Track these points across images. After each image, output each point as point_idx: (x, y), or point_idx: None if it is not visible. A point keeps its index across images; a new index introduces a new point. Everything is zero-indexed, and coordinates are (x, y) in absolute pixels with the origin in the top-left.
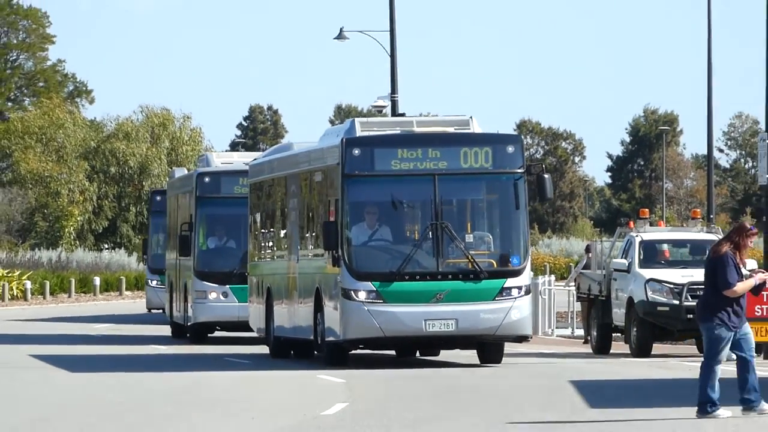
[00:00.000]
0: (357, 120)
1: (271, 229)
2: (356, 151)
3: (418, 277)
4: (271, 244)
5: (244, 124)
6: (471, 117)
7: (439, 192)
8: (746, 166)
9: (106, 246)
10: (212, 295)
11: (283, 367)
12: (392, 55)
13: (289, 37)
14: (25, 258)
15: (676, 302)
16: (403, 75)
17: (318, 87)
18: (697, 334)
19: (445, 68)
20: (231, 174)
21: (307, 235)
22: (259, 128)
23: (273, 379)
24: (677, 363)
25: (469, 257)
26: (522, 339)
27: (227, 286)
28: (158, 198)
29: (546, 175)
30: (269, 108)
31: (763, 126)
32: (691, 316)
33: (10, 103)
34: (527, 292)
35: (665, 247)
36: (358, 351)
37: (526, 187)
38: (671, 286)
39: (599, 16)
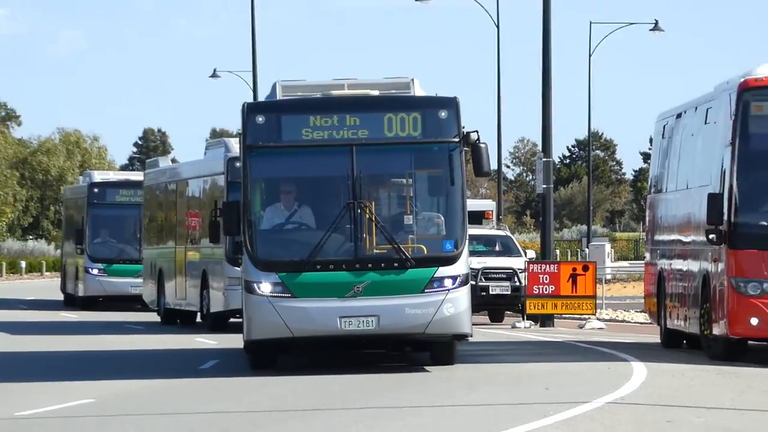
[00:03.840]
0: (279, 83)
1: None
2: (260, 119)
3: (331, 266)
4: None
5: (139, 142)
6: (412, 79)
7: (358, 166)
8: (527, 179)
9: (31, 237)
10: None
11: None
12: (254, 90)
13: (175, 75)
14: None
15: (473, 282)
16: None
17: (197, 113)
18: (489, 308)
19: None
20: None
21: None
22: (150, 146)
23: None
24: (474, 329)
25: (393, 242)
26: (459, 338)
27: None
28: (96, 190)
29: (482, 144)
30: (159, 130)
31: (540, 147)
32: (485, 293)
33: None
34: (463, 283)
35: None
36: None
37: (463, 160)
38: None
39: (410, 48)
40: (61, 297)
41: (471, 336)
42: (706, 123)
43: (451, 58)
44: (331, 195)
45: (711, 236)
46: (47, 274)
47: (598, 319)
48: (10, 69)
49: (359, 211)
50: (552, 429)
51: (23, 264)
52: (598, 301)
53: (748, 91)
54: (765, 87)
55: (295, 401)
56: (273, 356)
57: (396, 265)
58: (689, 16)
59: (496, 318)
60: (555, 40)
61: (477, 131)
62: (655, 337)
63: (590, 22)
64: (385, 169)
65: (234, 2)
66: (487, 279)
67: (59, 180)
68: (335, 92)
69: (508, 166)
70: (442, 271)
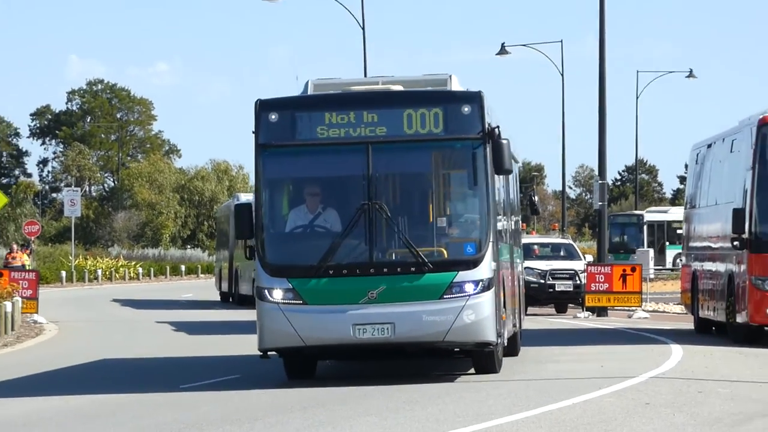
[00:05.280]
0: (311, 81)
1: None
2: (273, 116)
3: (344, 271)
4: None
5: None
6: (450, 76)
7: (374, 165)
8: (586, 197)
9: (189, 246)
10: None
11: None
12: None
13: None
14: (138, 253)
15: (543, 281)
16: None
17: None
18: (555, 301)
19: None
20: None
21: None
22: None
23: None
24: (543, 319)
25: (409, 246)
26: (481, 346)
27: None
28: None
29: (504, 141)
30: None
31: (596, 172)
32: (552, 290)
33: (129, 158)
34: (486, 288)
35: (535, 247)
36: None
37: (488, 158)
38: (539, 270)
39: (490, 92)
40: (212, 296)
41: (495, 344)
42: (731, 151)
43: (524, 100)
44: (345, 196)
45: (735, 243)
46: (202, 275)
47: (643, 310)
48: (172, 112)
49: (374, 213)
50: (606, 398)
51: (183, 267)
52: (643, 296)
53: (766, 126)
54: None
55: (385, 380)
56: (310, 365)
57: (413, 269)
58: (719, 64)
59: (561, 310)
60: (609, 85)
61: (498, 127)
62: (689, 325)
63: (637, 71)
64: (404, 168)
65: (349, 62)
66: (553, 278)
67: (211, 201)
68: (354, 88)
69: (570, 187)
70: (463, 275)
